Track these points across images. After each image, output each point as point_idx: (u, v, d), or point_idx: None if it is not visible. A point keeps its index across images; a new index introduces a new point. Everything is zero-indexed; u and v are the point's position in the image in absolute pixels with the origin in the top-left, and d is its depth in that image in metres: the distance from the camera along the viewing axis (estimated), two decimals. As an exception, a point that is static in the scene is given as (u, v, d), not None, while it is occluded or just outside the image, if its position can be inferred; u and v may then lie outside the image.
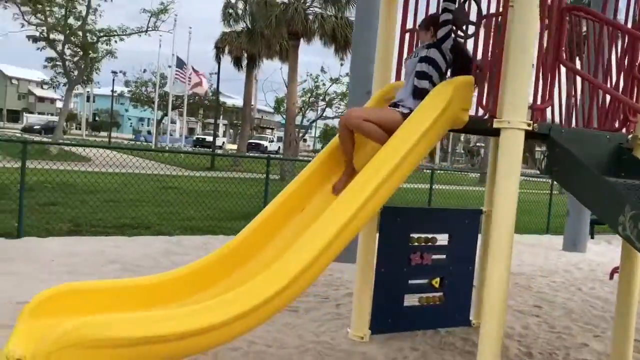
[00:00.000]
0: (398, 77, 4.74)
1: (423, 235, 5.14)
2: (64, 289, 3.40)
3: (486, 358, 3.58)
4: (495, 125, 3.66)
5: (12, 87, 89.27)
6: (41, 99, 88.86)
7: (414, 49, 4.56)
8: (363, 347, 4.72)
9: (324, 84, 28.42)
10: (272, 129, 71.70)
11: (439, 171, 16.68)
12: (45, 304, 3.26)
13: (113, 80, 44.83)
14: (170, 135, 45.95)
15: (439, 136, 3.97)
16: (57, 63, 25.69)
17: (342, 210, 3.50)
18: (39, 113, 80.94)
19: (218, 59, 27.46)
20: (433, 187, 12.75)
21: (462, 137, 73.43)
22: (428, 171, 13.66)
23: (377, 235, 4.94)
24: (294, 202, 4.03)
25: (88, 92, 64.04)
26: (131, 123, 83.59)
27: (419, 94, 4.03)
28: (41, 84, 34.50)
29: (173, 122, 53.65)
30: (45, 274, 5.89)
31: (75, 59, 25.00)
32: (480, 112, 4.12)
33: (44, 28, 23.88)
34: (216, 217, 10.70)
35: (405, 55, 4.69)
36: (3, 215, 8.31)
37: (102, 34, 25.20)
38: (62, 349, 2.73)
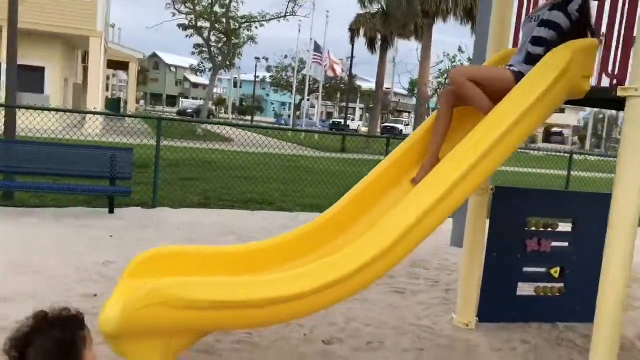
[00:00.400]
0: (516, 44, 4.33)
1: (542, 220, 4.70)
2: (161, 252, 3.57)
3: (598, 357, 3.17)
4: (619, 94, 3.17)
5: (170, 75, 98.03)
6: (195, 85, 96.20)
7: (533, 11, 4.10)
8: (467, 334, 4.45)
9: (461, 64, 27.28)
10: (409, 112, 70.71)
11: (587, 157, 15.25)
12: (142, 265, 3.44)
13: (256, 65, 47.05)
14: (310, 119, 47.31)
15: (554, 106, 3.54)
16: (204, 49, 27.48)
17: (441, 180, 3.27)
18: (193, 98, 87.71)
19: (352, 41, 27.52)
20: (579, 174, 11.71)
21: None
22: (567, 155, 12.58)
23: (489, 217, 4.60)
24: (390, 176, 3.86)
25: (235, 77, 68.00)
26: (274, 107, 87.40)
27: (532, 61, 3.61)
28: (195, 70, 36.98)
29: (313, 106, 55.15)
30: (168, 241, 6.31)
31: (220, 45, 26.56)
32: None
33: (193, 16, 25.60)
34: (337, 195, 10.74)
35: (524, 18, 4.25)
36: (141, 187, 9.05)
37: (243, 21, 26.44)
38: (149, 306, 2.85)
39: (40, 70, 20.30)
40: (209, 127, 27.07)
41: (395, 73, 41.98)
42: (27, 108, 8.09)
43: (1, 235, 5.96)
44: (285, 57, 43.91)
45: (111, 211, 7.48)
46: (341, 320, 4.51)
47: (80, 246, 5.80)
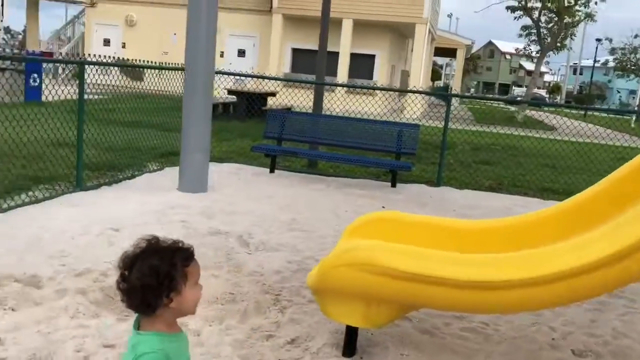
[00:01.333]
0: None
1: None
2: (385, 215, 3.44)
3: None
4: None
5: (505, 62, 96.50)
6: (529, 73, 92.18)
7: None
8: None
9: None
10: None
11: None
12: (362, 226, 3.35)
13: (596, 48, 42.32)
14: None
15: None
16: (532, 31, 25.82)
17: None
18: (526, 86, 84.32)
19: None
20: None
21: None
22: None
23: None
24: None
25: (575, 63, 62.45)
26: (620, 96, 77.50)
27: None
28: (522, 55, 35.04)
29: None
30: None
31: (550, 25, 24.54)
32: None
33: (523, -4, 24.29)
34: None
35: None
36: (432, 167, 9.03)
37: (580, -4, 23.87)
38: (341, 266, 2.75)
39: (371, 57, 22.13)
40: (534, 114, 25.50)
41: None
42: (324, 84, 8.84)
43: (293, 197, 6.65)
44: (636, 36, 38.16)
45: (393, 185, 7.64)
46: (609, 333, 3.66)
47: (350, 213, 6.05)
